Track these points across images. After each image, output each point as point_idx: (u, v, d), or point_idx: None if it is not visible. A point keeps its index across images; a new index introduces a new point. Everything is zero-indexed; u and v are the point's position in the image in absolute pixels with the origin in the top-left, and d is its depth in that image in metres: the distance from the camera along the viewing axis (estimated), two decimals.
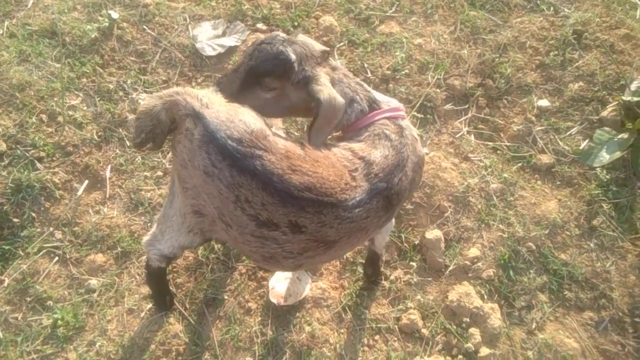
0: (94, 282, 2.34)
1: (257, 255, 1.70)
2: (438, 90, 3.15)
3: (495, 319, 2.47)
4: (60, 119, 2.71)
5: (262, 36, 3.20)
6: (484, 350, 2.40)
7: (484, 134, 3.09)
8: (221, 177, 1.55)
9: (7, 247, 2.38)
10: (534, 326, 2.52)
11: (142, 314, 2.29)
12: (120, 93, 2.87)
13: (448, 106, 3.15)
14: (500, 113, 3.17)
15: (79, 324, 2.23)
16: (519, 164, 2.96)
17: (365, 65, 3.22)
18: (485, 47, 3.36)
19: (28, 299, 2.28)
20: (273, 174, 1.54)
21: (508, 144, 3.04)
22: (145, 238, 2.01)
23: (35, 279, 2.32)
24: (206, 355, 2.24)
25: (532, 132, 3.04)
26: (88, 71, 2.90)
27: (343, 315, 2.40)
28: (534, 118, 3.10)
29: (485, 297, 2.57)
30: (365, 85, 1.95)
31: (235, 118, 1.61)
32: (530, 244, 2.70)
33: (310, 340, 2.30)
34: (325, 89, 1.74)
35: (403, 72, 3.21)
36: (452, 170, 2.90)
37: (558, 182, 2.93)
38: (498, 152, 3.03)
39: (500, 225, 2.75)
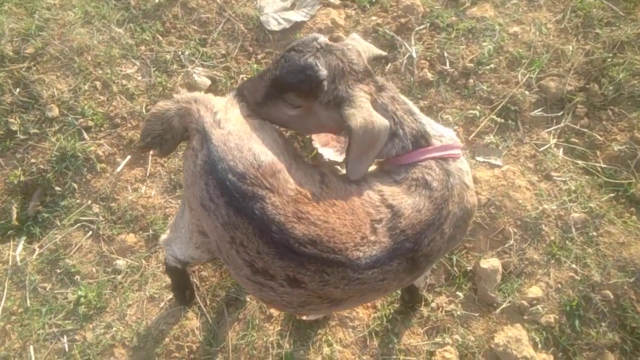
0: (121, 262, 2.31)
1: (257, 297, 1.52)
2: (527, 92, 2.70)
3: None
4: (113, 87, 2.66)
5: (333, 12, 2.91)
6: None
7: (576, 151, 2.62)
8: (217, 214, 1.37)
9: (46, 215, 2.41)
10: None
11: (162, 304, 2.24)
12: (176, 65, 2.75)
13: (537, 112, 2.69)
14: (601, 126, 2.66)
15: (100, 304, 2.22)
16: (612, 194, 2.48)
17: (445, 54, 2.83)
18: (596, 43, 2.81)
19: (58, 270, 2.30)
20: (273, 221, 1.33)
21: (603, 165, 2.55)
22: (163, 236, 1.91)
23: (67, 251, 2.34)
24: (218, 358, 2.15)
25: (637, 154, 2.52)
26: (148, 38, 2.80)
27: (368, 341, 2.18)
28: None
29: (540, 345, 2.22)
30: (417, 113, 1.59)
31: (245, 146, 1.40)
32: (608, 292, 2.27)
33: None
34: (360, 113, 1.44)
35: (489, 66, 2.78)
36: (527, 190, 2.49)
37: None
38: (589, 174, 2.55)
39: (574, 265, 2.33)
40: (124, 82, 2.69)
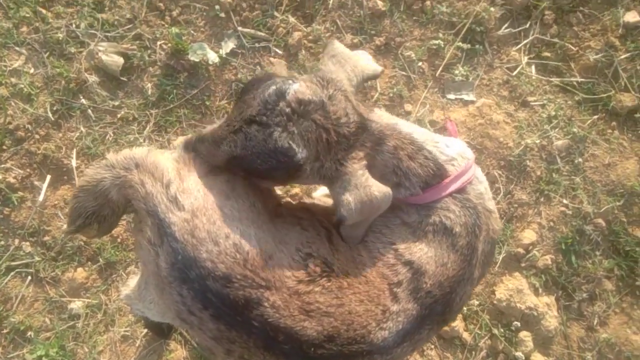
0: (77, 304, 1.99)
1: None
2: (492, 8, 2.36)
3: (551, 319, 2.10)
4: (2, 90, 2.11)
5: None
6: (537, 359, 2.07)
7: (549, 66, 2.38)
8: (203, 328, 1.08)
9: None
10: (595, 322, 2.15)
11: (138, 342, 1.98)
12: (74, 45, 2.19)
13: (504, 30, 2.38)
14: (572, 33, 2.40)
15: (66, 359, 1.94)
16: (592, 111, 2.31)
17: None
18: None
19: (5, 330, 1.96)
20: (278, 329, 1.05)
21: (580, 79, 2.35)
22: (125, 291, 1.58)
23: (8, 307, 1.98)
24: None
25: (613, 62, 2.32)
26: (28, 15, 2.19)
27: None
28: (617, 42, 2.35)
29: (540, 290, 2.17)
30: (426, 144, 1.27)
31: (220, 233, 1.06)
32: (600, 220, 2.20)
33: None
34: (355, 196, 1.14)
35: None
36: (506, 125, 2.28)
37: None
38: (565, 93, 2.35)
39: (564, 200, 2.22)
40: (14, 80, 2.13)
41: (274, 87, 1.10)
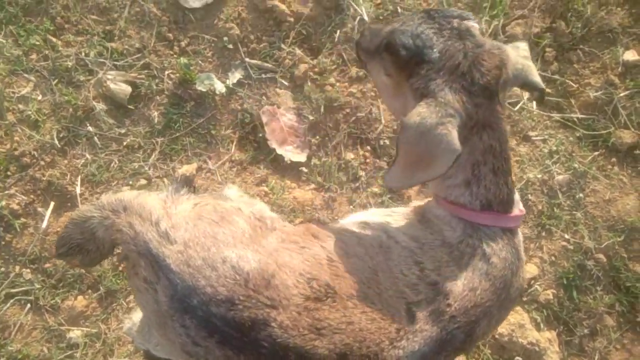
0: (76, 333, 1.97)
1: None
2: None
3: (553, 354, 2.08)
4: (9, 116, 2.12)
5: None
6: None
7: (550, 102, 2.42)
8: (210, 358, 1.07)
9: None
10: (596, 357, 2.14)
11: None
12: (82, 73, 2.22)
13: None
14: (572, 70, 2.45)
15: None
16: (593, 147, 2.34)
17: (399, 10, 2.45)
18: None
19: (2, 359, 1.94)
20: (288, 348, 1.04)
21: (580, 116, 2.39)
22: (127, 324, 1.58)
23: (6, 335, 1.96)
24: None
25: (613, 99, 2.36)
26: (38, 43, 2.22)
27: None
28: (616, 79, 2.39)
29: (542, 325, 2.16)
30: (511, 179, 1.31)
31: (216, 258, 1.07)
32: (600, 255, 2.21)
33: None
34: (428, 112, 1.11)
35: None
36: None
37: None
38: (566, 128, 2.38)
39: (565, 234, 2.23)
40: (21, 106, 2.15)
41: (463, 11, 1.23)
